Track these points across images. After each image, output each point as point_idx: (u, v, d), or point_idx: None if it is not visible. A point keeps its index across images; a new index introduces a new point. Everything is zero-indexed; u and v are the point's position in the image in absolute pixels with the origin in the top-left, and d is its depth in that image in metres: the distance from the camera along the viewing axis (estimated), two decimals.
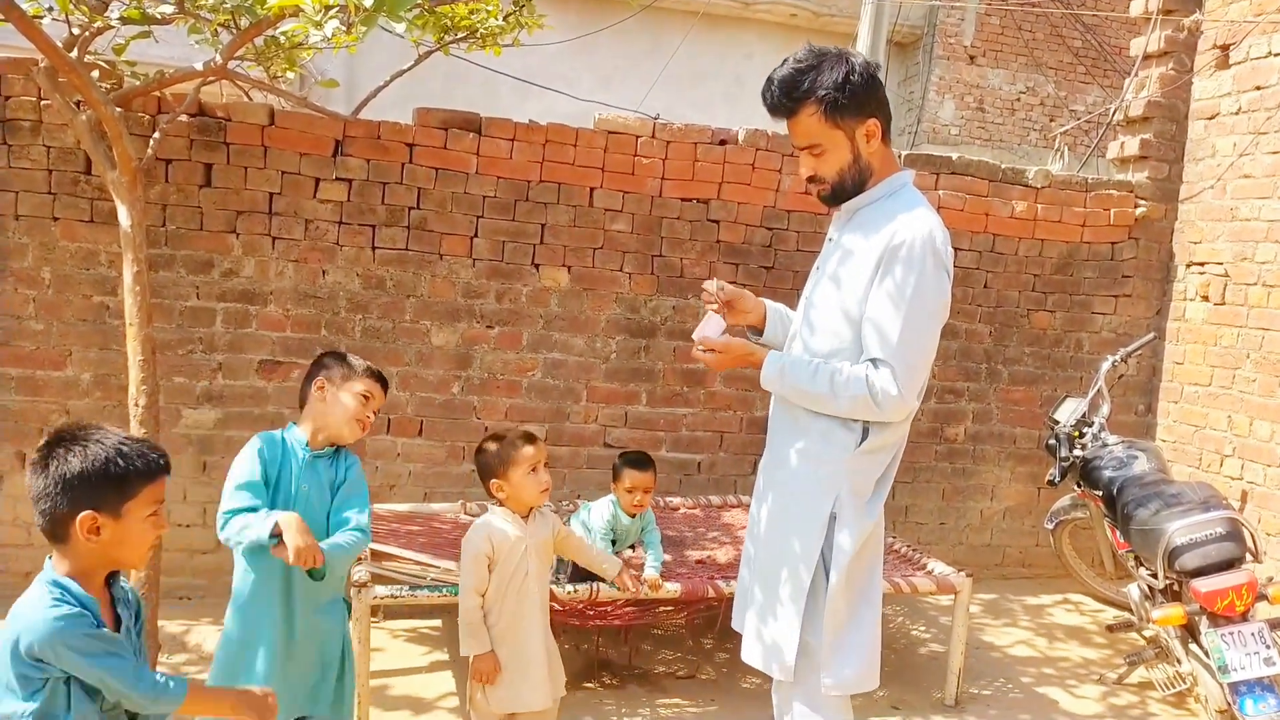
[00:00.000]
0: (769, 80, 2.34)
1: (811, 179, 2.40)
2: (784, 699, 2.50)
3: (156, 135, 3.55)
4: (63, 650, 1.70)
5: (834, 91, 2.27)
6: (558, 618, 3.56)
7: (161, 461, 1.86)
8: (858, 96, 2.30)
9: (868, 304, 2.29)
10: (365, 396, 2.56)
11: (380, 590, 3.27)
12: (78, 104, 3.44)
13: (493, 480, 2.73)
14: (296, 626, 2.53)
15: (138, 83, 3.59)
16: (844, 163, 2.35)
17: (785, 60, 2.32)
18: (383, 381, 2.62)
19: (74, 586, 1.77)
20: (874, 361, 2.28)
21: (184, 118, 3.91)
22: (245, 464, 2.49)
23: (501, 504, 2.77)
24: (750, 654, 2.50)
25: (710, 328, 2.49)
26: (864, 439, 2.36)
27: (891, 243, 2.26)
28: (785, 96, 2.32)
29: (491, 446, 2.75)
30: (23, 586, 1.83)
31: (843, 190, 2.39)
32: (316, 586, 2.49)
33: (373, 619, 3.51)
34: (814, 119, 2.31)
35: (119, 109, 3.30)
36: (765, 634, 2.44)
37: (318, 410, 2.55)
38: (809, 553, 2.36)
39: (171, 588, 4.07)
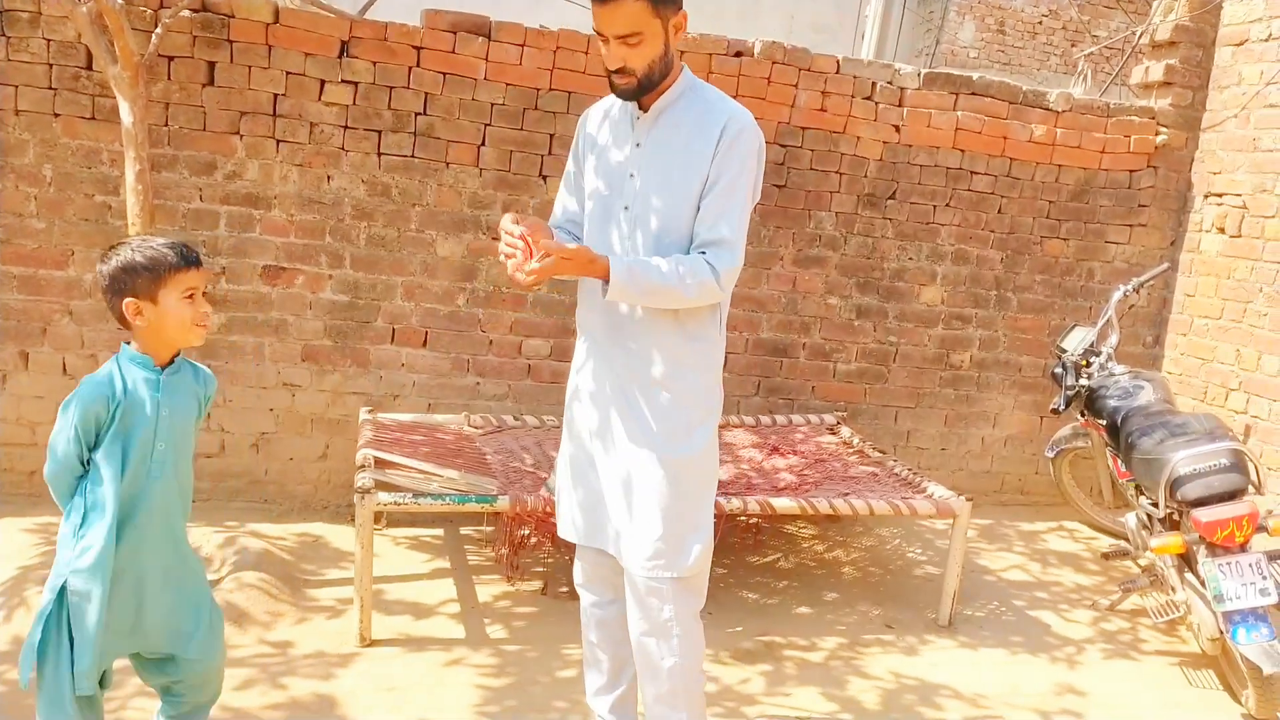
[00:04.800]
0: None
1: (620, 71, 2.28)
2: (644, 591, 2.45)
3: (159, 30, 3.46)
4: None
5: None
6: (556, 530, 3.59)
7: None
8: None
9: (708, 192, 2.31)
10: (190, 293, 2.17)
11: (383, 497, 3.29)
12: None
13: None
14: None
15: None
16: (655, 55, 2.27)
17: None
18: (197, 261, 2.19)
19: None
20: (707, 246, 2.31)
21: (187, 13, 3.80)
22: (64, 442, 2.12)
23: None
24: (632, 559, 2.43)
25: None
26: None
27: (726, 133, 2.30)
28: None
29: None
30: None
31: (649, 84, 2.30)
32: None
33: (375, 526, 3.53)
34: (640, 5, 2.20)
35: (120, 1, 3.20)
36: (651, 535, 2.41)
37: (146, 334, 2.17)
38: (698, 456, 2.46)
39: None
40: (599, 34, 2.27)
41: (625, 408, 2.43)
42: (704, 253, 2.31)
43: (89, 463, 2.13)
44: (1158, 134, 5.05)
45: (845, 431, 4.61)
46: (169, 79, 3.92)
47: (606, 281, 2.25)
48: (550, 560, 4.03)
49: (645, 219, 2.37)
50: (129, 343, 2.20)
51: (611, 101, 2.49)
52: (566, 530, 2.62)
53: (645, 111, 2.38)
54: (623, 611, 2.60)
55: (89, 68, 3.85)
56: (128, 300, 2.13)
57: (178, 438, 2.21)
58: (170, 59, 3.90)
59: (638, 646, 2.51)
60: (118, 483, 2.11)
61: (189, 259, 2.18)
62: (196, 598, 2.31)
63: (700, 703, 2.58)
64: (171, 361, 2.22)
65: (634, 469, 2.42)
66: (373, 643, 3.29)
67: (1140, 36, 5.44)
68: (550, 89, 4.27)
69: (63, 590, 2.11)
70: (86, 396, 2.10)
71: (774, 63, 4.48)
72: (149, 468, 2.16)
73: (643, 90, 2.31)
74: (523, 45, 4.20)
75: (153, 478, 2.17)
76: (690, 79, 2.40)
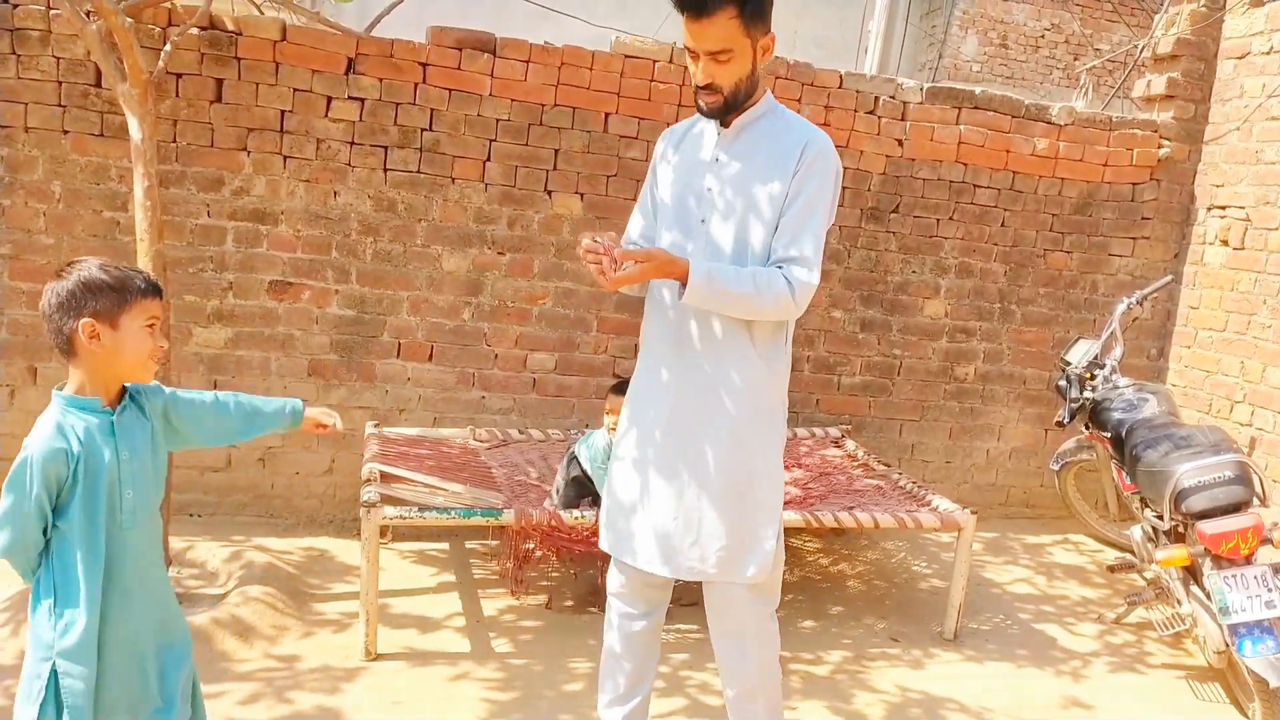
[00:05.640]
0: None
1: (707, 87, 2.31)
2: (726, 600, 2.53)
3: (167, 48, 3.49)
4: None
5: None
6: (563, 543, 3.61)
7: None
8: (768, 7, 2.29)
9: (786, 209, 2.34)
10: (152, 323, 1.98)
11: (389, 511, 3.29)
12: (87, 14, 3.37)
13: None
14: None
15: None
16: (743, 73, 2.31)
17: None
18: (160, 291, 2.03)
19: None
20: (785, 262, 2.33)
21: (195, 31, 3.84)
22: (19, 519, 1.87)
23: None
24: (737, 569, 2.49)
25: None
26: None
27: (807, 153, 2.34)
28: None
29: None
30: None
31: (734, 102, 2.35)
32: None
33: (380, 540, 3.54)
34: (733, 22, 2.23)
35: (129, 19, 3.24)
36: (741, 547, 2.48)
37: (95, 361, 1.93)
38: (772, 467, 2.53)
39: (182, 505, 4.12)
40: (689, 50, 2.30)
41: (699, 423, 2.44)
42: (781, 268, 2.32)
43: (50, 530, 1.89)
44: (1160, 147, 5.06)
45: (850, 444, 4.61)
46: (177, 96, 3.96)
47: (683, 285, 2.28)
48: (555, 574, 4.04)
49: (722, 233, 2.40)
50: (60, 388, 1.95)
51: (690, 124, 2.54)
52: (624, 551, 2.56)
53: (726, 128, 2.42)
54: (655, 624, 2.65)
55: (98, 85, 3.89)
56: (85, 320, 1.89)
57: (144, 480, 1.99)
58: (179, 76, 3.94)
59: (719, 649, 2.59)
60: (92, 545, 1.90)
61: (156, 286, 2.00)
62: (184, 651, 2.11)
63: (778, 696, 2.67)
64: (120, 399, 1.99)
65: (710, 481, 2.44)
66: (378, 657, 3.29)
67: (1142, 50, 5.46)
68: (555, 105, 4.30)
69: (53, 674, 1.88)
70: (43, 458, 1.84)
71: (777, 78, 4.50)
72: (121, 520, 1.93)
73: (728, 109, 2.35)
74: (528, 62, 4.23)
75: (127, 529, 1.95)
76: (772, 101, 2.44)
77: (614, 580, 2.67)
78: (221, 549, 3.86)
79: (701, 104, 2.36)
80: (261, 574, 3.65)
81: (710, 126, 2.47)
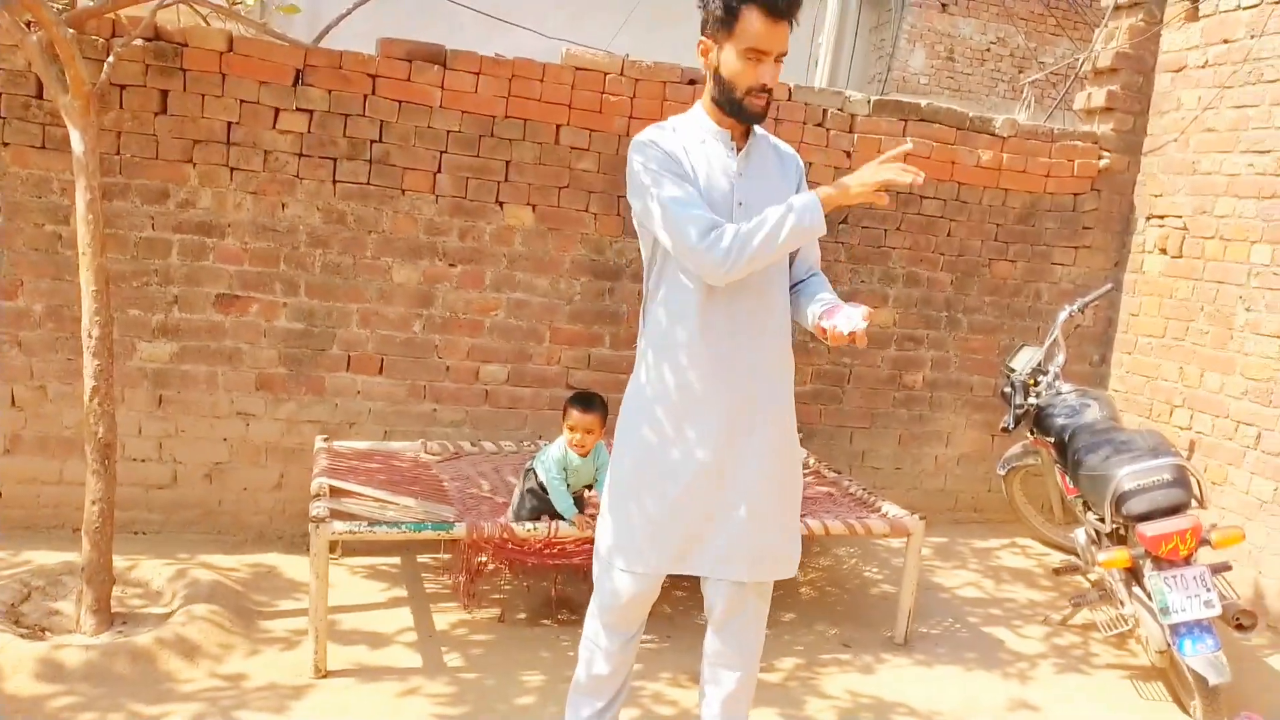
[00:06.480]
0: None
1: (766, 89, 2.33)
2: (741, 597, 2.55)
3: (110, 59, 3.44)
4: None
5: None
6: (516, 555, 3.60)
7: None
8: None
9: None
10: None
11: (339, 526, 3.27)
12: (28, 24, 3.32)
13: None
14: None
15: (91, 3, 3.48)
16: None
17: None
18: None
19: None
20: (815, 267, 2.62)
21: (139, 42, 3.79)
22: None
23: None
24: (773, 568, 2.54)
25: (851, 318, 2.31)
26: None
27: (799, 169, 2.57)
28: None
29: None
30: None
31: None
32: None
33: (330, 555, 3.51)
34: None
35: (71, 30, 3.19)
36: (794, 540, 2.58)
37: None
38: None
39: (126, 522, 4.04)
40: (759, 52, 2.26)
41: (754, 422, 2.44)
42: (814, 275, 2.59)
43: None
44: (1100, 158, 5.18)
45: (801, 452, 4.65)
46: (121, 107, 3.91)
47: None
48: (509, 587, 4.03)
49: None
50: None
51: (675, 130, 2.42)
52: (653, 564, 2.47)
53: (740, 141, 2.44)
54: (639, 633, 2.64)
55: (39, 97, 3.82)
56: None
57: None
58: (123, 88, 3.89)
59: (726, 645, 2.60)
60: None
61: None
62: None
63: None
64: None
65: (774, 476, 2.48)
66: (328, 674, 3.25)
67: (1083, 64, 5.59)
68: (506, 116, 4.30)
69: None
70: None
71: None
72: None
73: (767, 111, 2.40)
74: (478, 74, 4.23)
75: None
76: None
77: (611, 613, 2.56)
78: (166, 567, 3.80)
79: (755, 106, 2.33)
80: (208, 592, 3.60)
81: (716, 141, 2.41)
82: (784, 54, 2.31)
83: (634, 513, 2.47)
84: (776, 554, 2.53)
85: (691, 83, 4.49)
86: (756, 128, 2.46)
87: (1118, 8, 5.27)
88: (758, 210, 2.35)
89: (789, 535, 2.56)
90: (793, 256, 2.56)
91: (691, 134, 2.42)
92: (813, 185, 4.62)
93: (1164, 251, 5.05)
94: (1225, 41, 4.75)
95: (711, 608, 2.58)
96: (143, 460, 4.14)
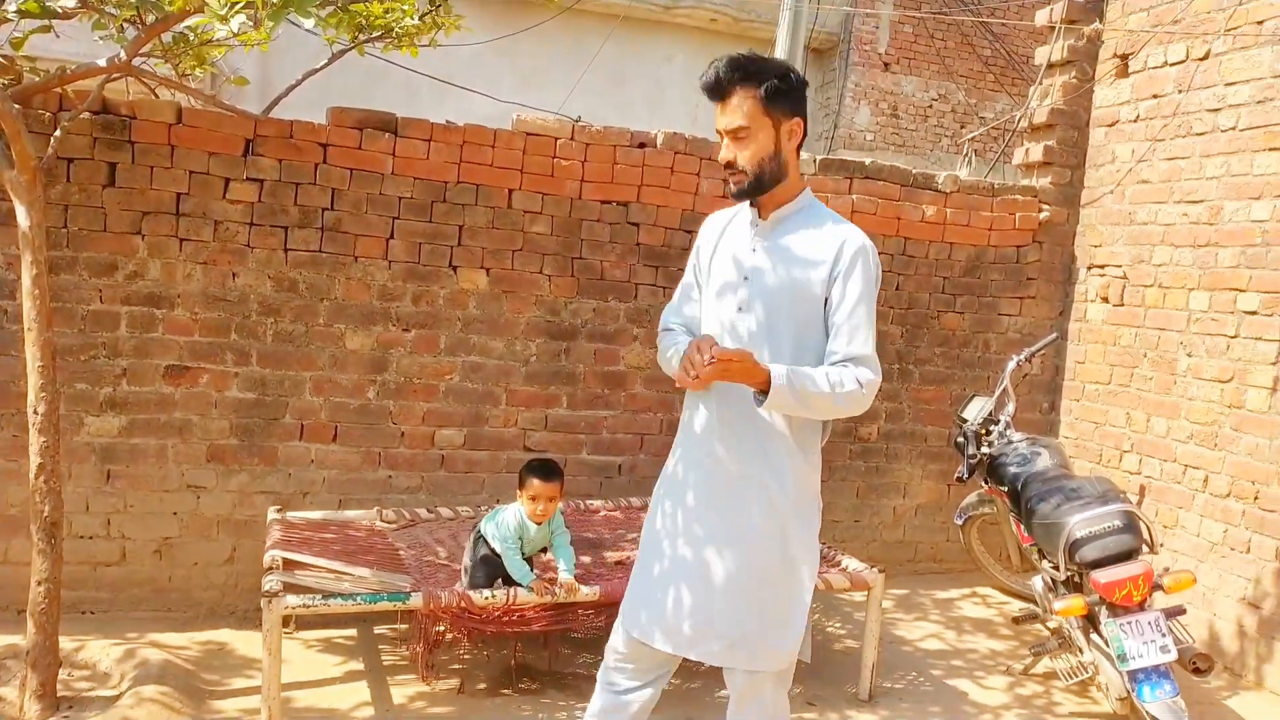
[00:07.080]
0: (715, 61, 2.37)
1: (730, 165, 2.40)
2: (754, 685, 2.53)
3: (58, 133, 3.43)
4: None
5: (776, 79, 2.35)
6: (474, 624, 3.55)
7: None
8: (795, 92, 2.40)
9: (834, 308, 2.39)
10: None
11: (292, 600, 3.20)
12: None
13: None
14: None
15: (37, 79, 3.47)
16: (766, 154, 2.38)
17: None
18: None
19: None
20: (847, 360, 2.37)
21: (87, 115, 3.78)
22: None
23: None
24: (748, 657, 2.48)
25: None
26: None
27: (845, 250, 2.39)
28: (731, 70, 2.34)
29: None
30: None
31: (759, 184, 2.41)
32: None
33: (284, 630, 3.44)
34: (750, 101, 2.35)
35: (17, 106, 3.18)
36: (779, 634, 2.49)
37: None
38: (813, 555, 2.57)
39: (74, 602, 3.93)
40: (719, 133, 2.41)
41: (744, 512, 2.44)
42: (847, 367, 2.36)
43: None
44: (1040, 211, 5.33)
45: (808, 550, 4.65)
46: (68, 180, 3.88)
47: (763, 391, 2.28)
48: (468, 656, 3.96)
49: (760, 321, 2.43)
50: None
51: (734, 212, 2.58)
52: (660, 641, 2.51)
53: (764, 218, 2.47)
54: (653, 694, 2.64)
55: None
56: None
57: None
58: (70, 160, 3.87)
59: None
60: None
61: None
62: None
63: None
64: None
65: (747, 571, 2.44)
66: None
67: (1020, 120, 5.76)
68: (459, 182, 4.34)
69: None
70: None
71: (676, 153, 4.62)
72: None
73: (755, 189, 2.41)
74: (429, 140, 4.27)
75: None
76: (812, 197, 2.51)
77: (614, 670, 2.64)
78: (114, 648, 3.70)
79: (730, 185, 2.44)
80: (157, 672, 3.50)
81: (747, 217, 2.51)
82: (735, 129, 2.37)
83: (639, 574, 2.60)
84: (752, 642, 2.45)
85: (641, 146, 4.57)
86: (804, 205, 2.48)
87: (1051, 66, 5.46)
88: (764, 286, 2.42)
89: (773, 624, 2.47)
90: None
91: (738, 212, 2.57)
92: None
93: (1105, 300, 5.17)
94: (1155, 96, 4.93)
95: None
96: (90, 537, 4.05)
